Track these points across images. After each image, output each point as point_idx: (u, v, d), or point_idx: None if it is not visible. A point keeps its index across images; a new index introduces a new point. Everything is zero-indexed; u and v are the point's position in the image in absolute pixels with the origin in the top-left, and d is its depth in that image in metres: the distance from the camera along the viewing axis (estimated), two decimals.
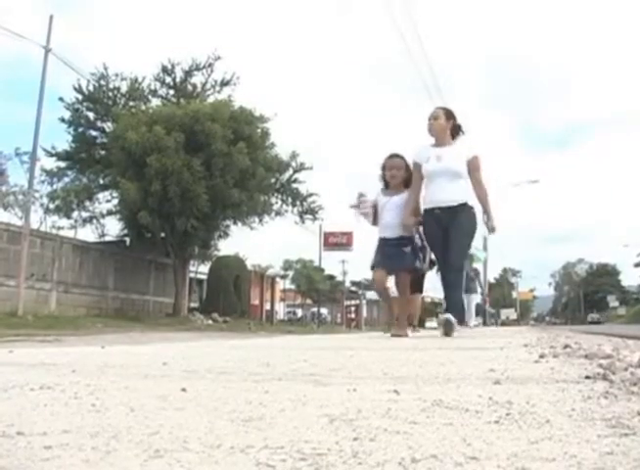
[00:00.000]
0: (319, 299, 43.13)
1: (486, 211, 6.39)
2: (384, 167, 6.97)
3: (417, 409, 1.32)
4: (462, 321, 6.62)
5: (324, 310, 46.39)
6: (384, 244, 6.84)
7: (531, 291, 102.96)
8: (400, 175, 6.83)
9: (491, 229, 6.53)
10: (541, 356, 2.72)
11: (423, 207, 6.52)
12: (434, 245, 6.54)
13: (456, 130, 6.57)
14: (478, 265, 18.25)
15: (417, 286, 8.20)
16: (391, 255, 6.70)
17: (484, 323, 40.40)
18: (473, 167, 6.32)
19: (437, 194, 6.34)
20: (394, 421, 1.18)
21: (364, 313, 44.22)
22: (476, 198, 6.36)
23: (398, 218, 6.68)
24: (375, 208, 6.99)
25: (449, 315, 6.14)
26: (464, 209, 6.26)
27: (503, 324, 64.08)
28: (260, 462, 0.87)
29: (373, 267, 6.95)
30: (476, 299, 18.19)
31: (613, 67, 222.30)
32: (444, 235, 6.26)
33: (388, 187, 6.97)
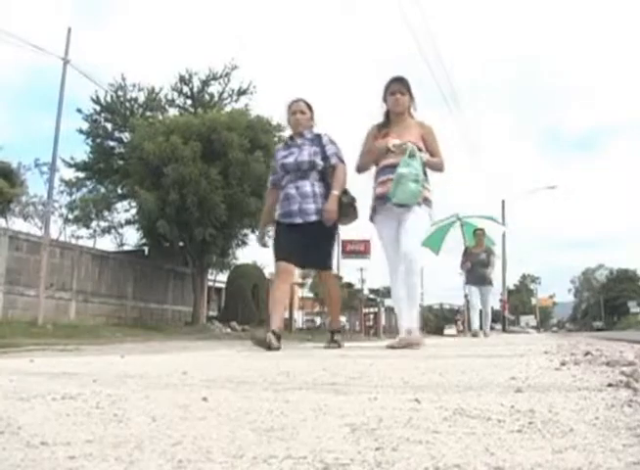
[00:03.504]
0: None
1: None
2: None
3: (439, 418, 1.31)
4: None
5: (342, 318, 46.28)
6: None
7: (551, 297, 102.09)
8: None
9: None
10: (562, 364, 2.70)
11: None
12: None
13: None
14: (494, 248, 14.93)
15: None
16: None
17: (504, 330, 40.04)
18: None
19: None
20: (416, 430, 1.17)
21: (383, 321, 44.01)
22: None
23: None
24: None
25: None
26: None
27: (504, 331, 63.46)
28: None
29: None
30: (491, 294, 14.39)
31: (636, 69, 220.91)
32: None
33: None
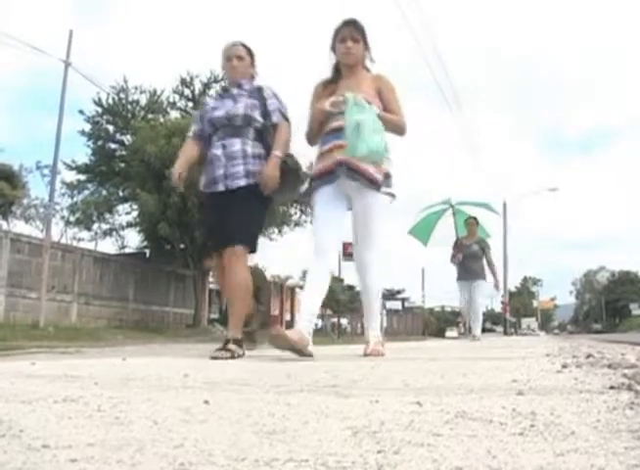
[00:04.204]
0: (339, 309, 43.04)
1: None
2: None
3: (440, 421, 1.31)
4: None
5: (344, 321, 46.27)
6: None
7: (552, 299, 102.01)
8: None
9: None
10: (564, 366, 2.69)
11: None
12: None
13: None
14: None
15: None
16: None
17: (505, 332, 39.99)
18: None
19: None
20: (418, 433, 1.17)
21: (384, 323, 44.02)
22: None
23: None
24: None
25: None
26: None
27: (524, 334, 63.61)
28: None
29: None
30: (484, 289, 12.18)
31: (638, 70, 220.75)
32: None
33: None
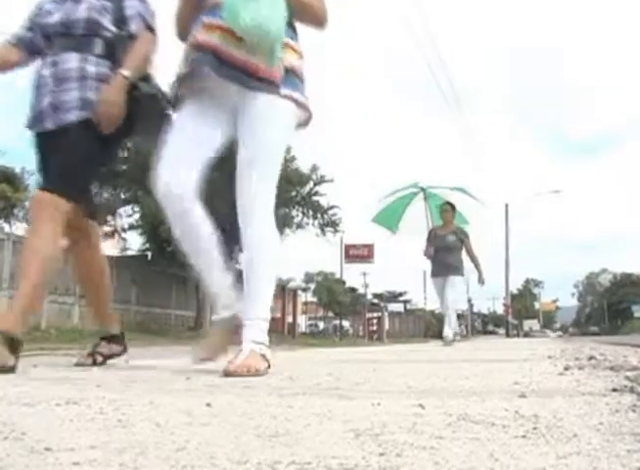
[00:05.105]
0: (341, 311, 43.08)
1: None
2: None
3: (442, 424, 1.31)
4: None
5: (346, 323, 46.30)
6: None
7: (554, 301, 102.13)
8: None
9: None
10: (566, 369, 2.70)
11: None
12: None
13: None
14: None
15: None
16: None
17: (507, 334, 39.94)
18: None
19: None
20: (420, 436, 1.17)
21: (386, 326, 44.03)
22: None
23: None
24: None
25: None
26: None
27: (526, 335, 63.62)
28: None
29: None
30: (457, 286, 10.23)
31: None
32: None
33: None
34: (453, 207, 10.46)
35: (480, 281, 10.74)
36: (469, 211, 11.52)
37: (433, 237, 10.25)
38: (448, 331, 9.86)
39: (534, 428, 1.24)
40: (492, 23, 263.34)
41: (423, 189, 11.78)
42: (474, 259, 10.35)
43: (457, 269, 10.03)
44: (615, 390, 1.81)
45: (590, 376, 2.33)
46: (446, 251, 9.96)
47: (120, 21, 3.23)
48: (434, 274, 10.28)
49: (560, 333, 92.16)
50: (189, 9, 2.96)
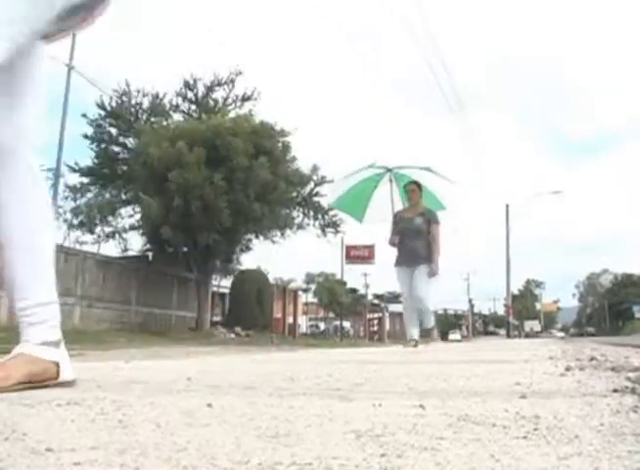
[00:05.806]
0: (341, 312, 43.11)
1: None
2: None
3: (443, 425, 1.31)
4: None
5: (346, 324, 46.32)
6: None
7: (555, 302, 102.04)
8: None
9: None
10: (567, 369, 2.69)
11: None
12: None
13: None
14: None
15: None
16: None
17: (508, 335, 39.89)
18: None
19: None
20: (421, 437, 1.17)
21: (387, 326, 44.03)
22: None
23: None
24: None
25: None
26: None
27: (527, 336, 63.59)
28: None
29: None
30: (425, 275, 8.41)
31: None
32: None
33: None
34: (419, 185, 8.87)
35: (432, 273, 8.61)
36: (444, 194, 9.80)
37: (398, 221, 8.80)
38: (414, 331, 8.43)
39: (535, 429, 1.23)
40: (492, 24, 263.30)
41: (389, 170, 10.04)
42: (433, 245, 8.50)
43: (426, 257, 8.43)
44: (616, 391, 1.80)
45: (591, 377, 2.33)
46: (414, 236, 8.48)
47: None
48: (399, 263, 8.73)
49: (563, 334, 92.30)
50: None
